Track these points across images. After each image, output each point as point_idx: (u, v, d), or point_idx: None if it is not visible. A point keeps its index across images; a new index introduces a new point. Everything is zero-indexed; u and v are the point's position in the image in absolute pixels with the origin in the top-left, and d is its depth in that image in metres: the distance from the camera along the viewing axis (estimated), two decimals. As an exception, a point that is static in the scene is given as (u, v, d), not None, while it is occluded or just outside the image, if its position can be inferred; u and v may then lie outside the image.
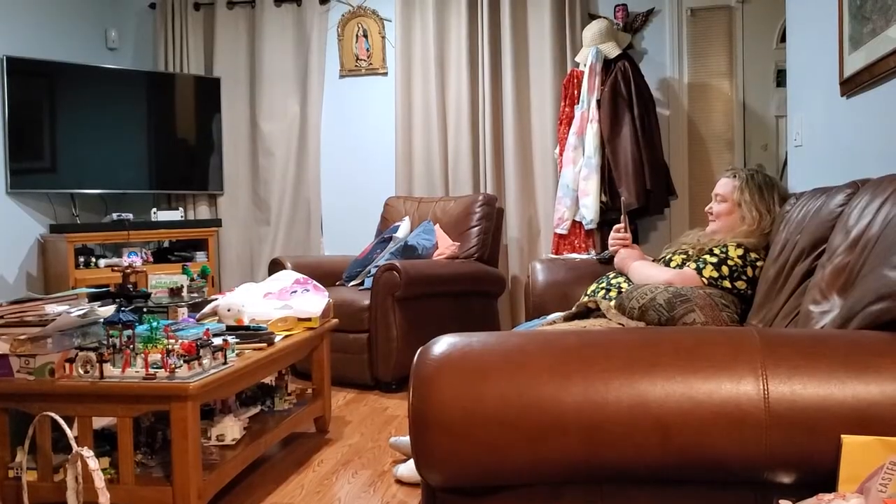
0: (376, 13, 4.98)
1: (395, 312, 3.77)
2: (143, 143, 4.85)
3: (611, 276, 2.55)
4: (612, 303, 2.25)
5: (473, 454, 1.14)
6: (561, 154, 4.36)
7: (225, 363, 2.27)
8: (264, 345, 2.55)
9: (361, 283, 4.16)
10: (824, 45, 2.45)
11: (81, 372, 2.14)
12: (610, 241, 2.81)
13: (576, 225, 4.29)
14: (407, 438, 2.75)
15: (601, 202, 4.19)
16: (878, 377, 1.10)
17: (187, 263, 4.30)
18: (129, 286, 3.08)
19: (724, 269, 2.26)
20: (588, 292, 2.54)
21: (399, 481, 2.57)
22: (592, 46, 4.25)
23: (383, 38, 5.00)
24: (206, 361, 2.19)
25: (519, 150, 4.67)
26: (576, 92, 4.33)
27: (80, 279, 4.23)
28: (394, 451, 2.81)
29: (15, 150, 4.28)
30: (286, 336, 2.74)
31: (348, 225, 5.05)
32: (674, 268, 2.40)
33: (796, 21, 2.87)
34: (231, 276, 5.09)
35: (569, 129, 4.32)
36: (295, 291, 3.00)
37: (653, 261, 2.58)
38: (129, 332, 2.21)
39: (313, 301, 2.97)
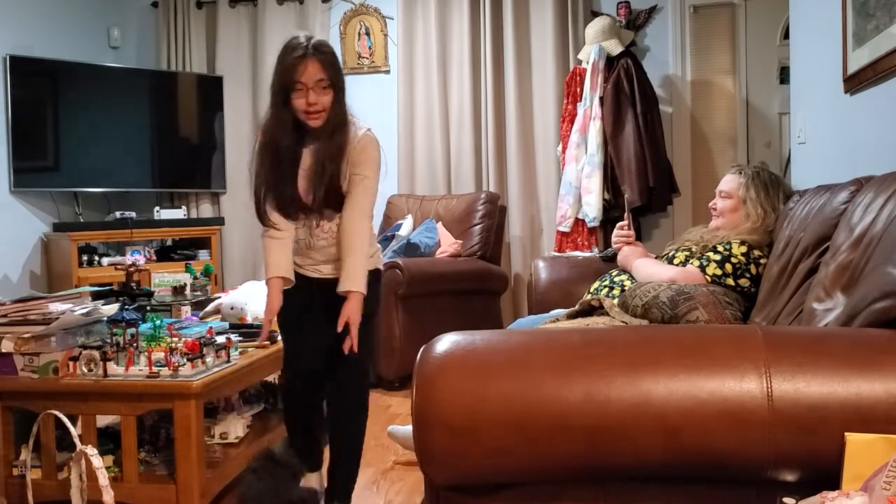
0: (378, 11, 4.98)
1: (397, 310, 3.77)
2: (146, 141, 4.85)
3: (614, 274, 2.55)
4: (616, 301, 2.25)
5: (476, 452, 1.14)
6: (564, 151, 4.35)
7: (228, 361, 2.28)
8: (267, 343, 2.55)
9: (364, 282, 4.15)
10: (828, 41, 2.44)
11: (85, 370, 2.14)
12: (613, 239, 2.81)
13: (579, 222, 4.28)
14: (405, 428, 2.76)
15: (604, 200, 4.18)
16: (882, 375, 1.10)
17: (190, 262, 4.31)
18: (133, 285, 3.08)
19: (728, 267, 2.26)
20: (591, 290, 2.54)
21: (391, 436, 2.74)
22: (595, 44, 4.25)
23: (385, 35, 4.99)
24: (209, 360, 2.20)
25: (521, 148, 4.66)
26: (578, 89, 4.32)
27: (84, 278, 4.23)
28: (392, 440, 2.83)
29: (18, 148, 4.28)
30: (289, 334, 2.74)
31: (351, 223, 5.04)
32: (677, 265, 2.40)
33: (800, 18, 2.86)
34: (234, 274, 5.08)
35: (571, 126, 4.32)
36: (298, 290, 2.99)
37: (656, 258, 2.58)
38: (133, 330, 2.22)
39: (316, 299, 2.96)
